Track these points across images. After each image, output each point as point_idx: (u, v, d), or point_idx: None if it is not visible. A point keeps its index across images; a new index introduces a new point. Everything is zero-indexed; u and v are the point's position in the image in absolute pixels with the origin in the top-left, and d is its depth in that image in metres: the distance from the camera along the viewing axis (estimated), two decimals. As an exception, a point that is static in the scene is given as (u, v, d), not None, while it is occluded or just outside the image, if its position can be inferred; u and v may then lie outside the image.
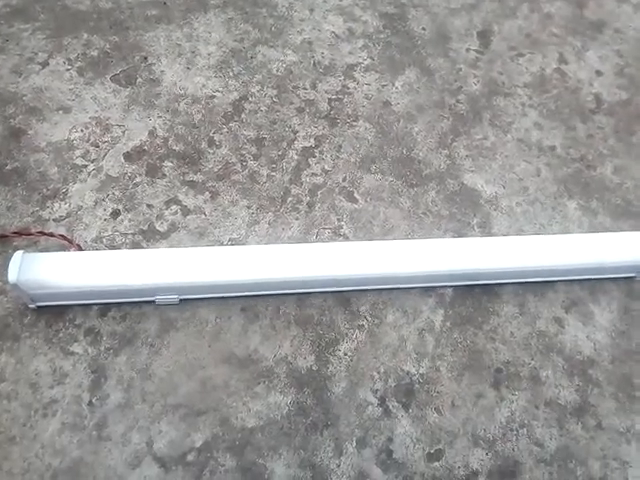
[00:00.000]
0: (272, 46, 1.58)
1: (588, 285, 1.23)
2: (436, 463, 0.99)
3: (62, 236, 1.12)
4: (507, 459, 1.01)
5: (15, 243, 1.14)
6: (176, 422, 0.98)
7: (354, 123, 1.44)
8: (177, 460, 0.94)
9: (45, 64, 1.43)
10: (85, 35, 1.51)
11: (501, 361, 1.11)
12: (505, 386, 1.08)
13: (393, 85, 1.54)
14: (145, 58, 1.49)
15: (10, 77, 1.39)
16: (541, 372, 1.11)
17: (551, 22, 1.80)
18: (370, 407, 1.03)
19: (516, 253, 1.18)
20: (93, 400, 0.98)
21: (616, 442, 1.04)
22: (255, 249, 1.15)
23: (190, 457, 0.95)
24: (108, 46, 1.49)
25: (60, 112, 1.35)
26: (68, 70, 1.43)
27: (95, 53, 1.47)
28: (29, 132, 1.30)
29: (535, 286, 1.21)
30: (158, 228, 1.19)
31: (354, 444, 0.99)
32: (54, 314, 1.06)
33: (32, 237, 1.14)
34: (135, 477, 0.92)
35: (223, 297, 1.11)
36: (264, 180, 1.31)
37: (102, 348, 1.04)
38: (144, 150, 1.31)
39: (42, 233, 1.13)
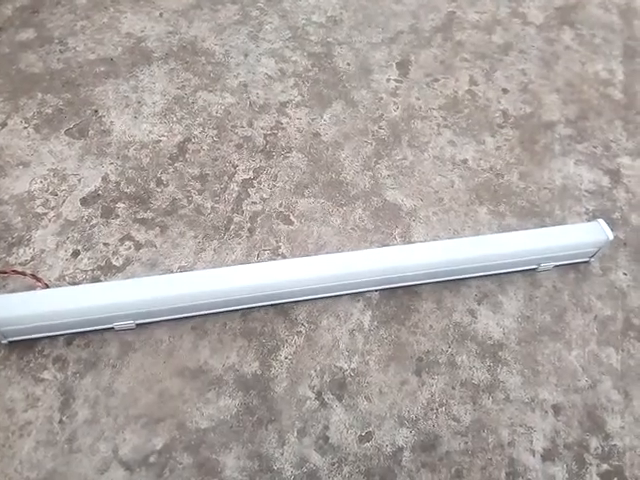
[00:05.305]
0: (211, 90, 1.76)
1: (497, 279, 1.41)
2: (367, 444, 1.14)
3: (32, 275, 1.27)
4: (428, 434, 1.16)
5: (-15, 287, 1.28)
6: (138, 430, 1.12)
7: (288, 154, 1.62)
8: (140, 462, 1.08)
9: (4, 124, 1.58)
10: (39, 95, 1.67)
11: (422, 351, 1.27)
12: (426, 372, 1.25)
13: (322, 118, 1.73)
14: (96, 111, 1.65)
15: (-28, 139, 1.54)
16: (457, 358, 1.27)
17: (462, 49, 2.01)
18: (308, 401, 1.18)
19: (432, 256, 1.35)
20: (63, 419, 1.12)
21: (522, 411, 1.21)
22: (201, 273, 1.31)
23: (152, 459, 1.09)
24: (61, 103, 1.66)
25: (20, 167, 1.50)
26: (25, 128, 1.58)
27: (49, 110, 1.63)
28: (-7, 187, 1.45)
29: (450, 284, 1.38)
30: (114, 263, 1.34)
31: (295, 434, 1.14)
32: (25, 347, 1.20)
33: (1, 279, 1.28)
34: (104, 480, 1.06)
35: (175, 318, 1.26)
36: (209, 212, 1.47)
37: (69, 373, 1.18)
38: (98, 194, 1.46)
39: (16, 272, 1.27)
